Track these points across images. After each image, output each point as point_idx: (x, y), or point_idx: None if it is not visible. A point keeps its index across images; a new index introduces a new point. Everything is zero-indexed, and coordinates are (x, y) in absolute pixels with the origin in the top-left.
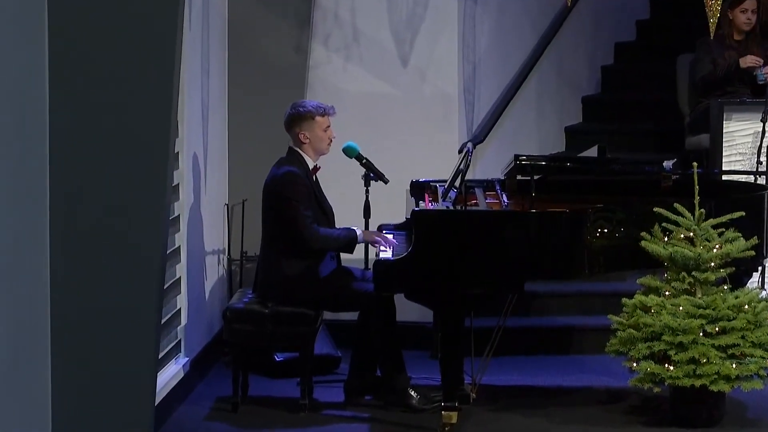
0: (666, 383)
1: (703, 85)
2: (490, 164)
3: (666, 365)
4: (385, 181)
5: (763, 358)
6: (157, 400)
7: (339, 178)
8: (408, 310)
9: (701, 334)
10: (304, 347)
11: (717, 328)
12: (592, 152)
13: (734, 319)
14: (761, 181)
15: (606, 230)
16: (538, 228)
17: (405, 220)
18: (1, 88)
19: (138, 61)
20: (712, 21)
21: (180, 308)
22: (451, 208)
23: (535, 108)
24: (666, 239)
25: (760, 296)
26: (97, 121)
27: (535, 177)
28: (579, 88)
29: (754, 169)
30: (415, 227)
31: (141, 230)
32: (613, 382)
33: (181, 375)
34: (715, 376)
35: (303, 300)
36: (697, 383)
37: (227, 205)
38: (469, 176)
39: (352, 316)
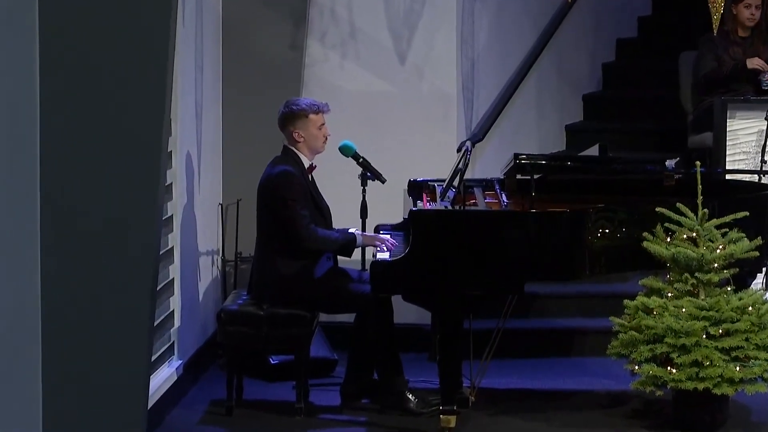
0: (668, 386)
1: (706, 83)
2: (489, 163)
3: (668, 368)
4: (383, 181)
5: None
6: (150, 403)
7: (335, 177)
8: (406, 312)
9: (704, 336)
10: (300, 350)
11: (720, 330)
12: (593, 151)
13: (738, 321)
14: (765, 180)
15: (607, 230)
16: (538, 228)
17: (402, 220)
18: None
19: (130, 58)
20: (716, 17)
21: (173, 310)
22: (450, 208)
23: (535, 106)
24: (668, 240)
25: (764, 298)
26: (89, 119)
27: (535, 176)
28: (580, 85)
29: (758, 168)
30: (412, 227)
31: (133, 230)
32: (615, 385)
33: (175, 378)
34: (719, 379)
35: (299, 300)
36: (700, 386)
37: (221, 204)
38: (467, 175)
39: (348, 317)
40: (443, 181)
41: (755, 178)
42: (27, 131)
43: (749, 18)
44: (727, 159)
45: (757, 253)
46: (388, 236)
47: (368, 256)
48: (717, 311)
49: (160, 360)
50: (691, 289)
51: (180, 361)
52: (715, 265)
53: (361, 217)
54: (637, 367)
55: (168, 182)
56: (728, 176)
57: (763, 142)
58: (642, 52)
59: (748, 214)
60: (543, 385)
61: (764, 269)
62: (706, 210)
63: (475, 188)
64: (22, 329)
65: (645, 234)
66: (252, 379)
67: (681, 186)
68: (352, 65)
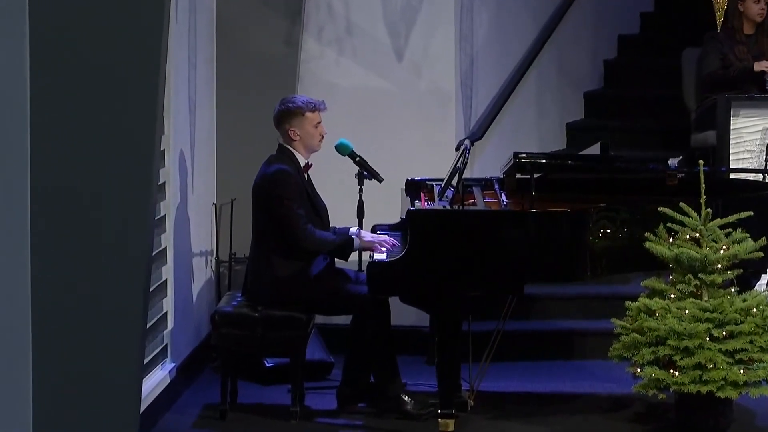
0: (671, 390)
1: (711, 84)
2: (489, 162)
3: (671, 371)
4: (380, 180)
5: None
6: (143, 407)
7: (331, 176)
8: (403, 314)
9: (708, 338)
10: (296, 352)
11: (724, 333)
12: (595, 150)
13: (742, 323)
14: None
15: (609, 231)
16: (539, 228)
17: (400, 220)
18: None
19: (122, 54)
20: (719, 13)
21: (166, 312)
22: (448, 207)
23: (535, 104)
24: (671, 240)
25: None
26: (80, 117)
27: (535, 175)
28: (581, 83)
29: (763, 167)
30: (410, 228)
31: (125, 231)
32: (616, 388)
33: (168, 381)
34: (722, 382)
35: (294, 302)
36: (704, 390)
37: (215, 204)
38: (466, 174)
39: (345, 319)
40: (441, 180)
41: (759, 177)
42: (17, 129)
43: (759, 13)
44: (730, 158)
45: (761, 254)
46: (386, 236)
47: (365, 257)
48: (720, 313)
49: (153, 363)
50: (694, 290)
51: (173, 364)
52: (719, 265)
53: (357, 217)
54: (639, 370)
55: (161, 181)
56: (732, 175)
57: (767, 141)
58: (644, 49)
59: (752, 213)
60: (543, 389)
61: None
62: (709, 210)
63: (474, 187)
64: (12, 331)
65: (647, 234)
66: (246, 382)
67: (684, 185)
68: (349, 62)
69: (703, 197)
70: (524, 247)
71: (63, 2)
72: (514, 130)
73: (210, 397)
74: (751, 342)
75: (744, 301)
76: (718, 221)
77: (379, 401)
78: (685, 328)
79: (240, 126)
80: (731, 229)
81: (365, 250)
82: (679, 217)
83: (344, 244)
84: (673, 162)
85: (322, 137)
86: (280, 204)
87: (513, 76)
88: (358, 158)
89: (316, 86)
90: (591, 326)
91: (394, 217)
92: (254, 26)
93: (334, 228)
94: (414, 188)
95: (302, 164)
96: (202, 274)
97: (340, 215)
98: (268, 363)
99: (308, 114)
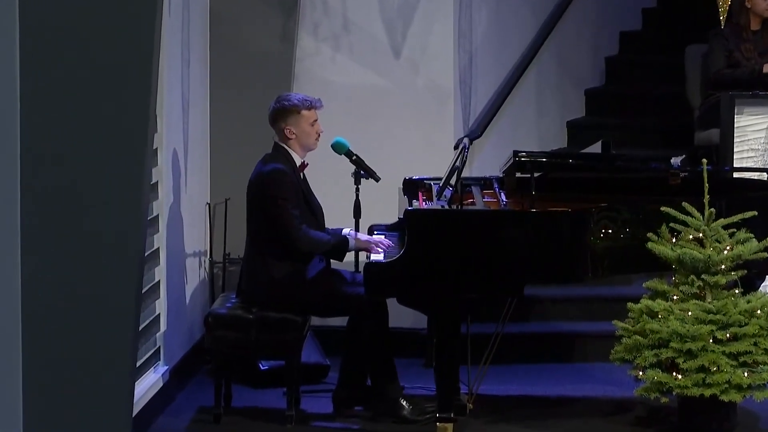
0: (674, 393)
1: (718, 84)
2: (488, 161)
3: (674, 374)
4: (377, 179)
5: None
6: (135, 411)
7: (328, 175)
8: (401, 316)
9: (711, 340)
10: (291, 355)
11: (728, 335)
12: (596, 148)
13: (746, 324)
14: None
15: (610, 231)
16: (539, 229)
17: (397, 220)
18: None
19: (114, 50)
20: (723, 9)
21: (159, 314)
22: (447, 207)
23: (535, 101)
24: (674, 240)
25: None
26: (71, 115)
27: (536, 174)
28: (582, 80)
29: (767, 166)
30: (408, 228)
31: (117, 231)
32: (618, 391)
33: (161, 384)
34: (726, 386)
35: (290, 304)
36: (707, 393)
37: (209, 204)
38: (465, 174)
39: (341, 321)
40: (440, 179)
41: (764, 176)
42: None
43: (767, 8)
44: (734, 156)
45: (765, 254)
46: (383, 237)
47: (362, 257)
48: (724, 315)
49: (146, 366)
50: (698, 291)
51: (166, 367)
52: (723, 266)
53: (354, 217)
54: (641, 373)
55: (153, 181)
56: (736, 174)
57: None
58: (647, 46)
59: (756, 213)
60: (543, 392)
61: None
62: (712, 209)
63: (472, 187)
64: (2, 334)
65: (649, 234)
66: (241, 385)
67: (687, 184)
68: (345, 59)
69: (707, 197)
70: (524, 248)
71: None
72: (513, 128)
73: (204, 400)
74: (755, 344)
75: (748, 302)
76: (722, 221)
77: (376, 405)
78: (688, 330)
79: (234, 124)
80: (735, 230)
81: (360, 250)
82: (681, 217)
83: (339, 244)
84: (675, 161)
85: (319, 136)
86: (274, 204)
87: (513, 74)
88: (354, 157)
89: (312, 84)
90: (592, 328)
91: (392, 217)
92: (249, 22)
93: (327, 229)
94: (411, 188)
95: (298, 163)
96: (195, 275)
97: (337, 215)
98: (263, 366)
99: (304, 112)
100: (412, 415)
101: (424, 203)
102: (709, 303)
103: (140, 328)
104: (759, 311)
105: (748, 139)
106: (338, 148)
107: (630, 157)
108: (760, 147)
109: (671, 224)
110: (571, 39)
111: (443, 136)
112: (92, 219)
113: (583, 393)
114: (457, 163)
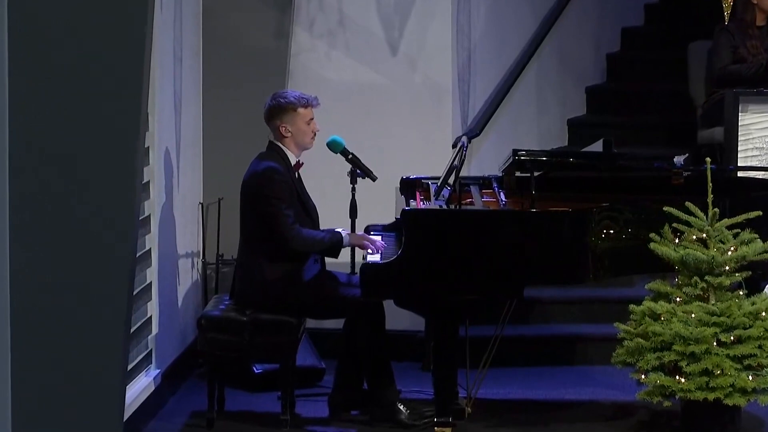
0: (677, 397)
1: (724, 80)
2: (487, 160)
3: (677, 377)
4: (373, 179)
5: None
6: (126, 415)
7: (323, 175)
8: (398, 318)
9: (715, 343)
10: (285, 358)
11: (732, 337)
12: (597, 147)
13: (751, 327)
14: None
15: (612, 231)
16: (539, 229)
17: (395, 220)
18: None
19: (105, 47)
20: (727, 4)
21: (151, 316)
22: (445, 207)
23: (535, 99)
24: (677, 241)
25: None
26: (61, 113)
27: (536, 173)
28: (583, 77)
29: None
30: (405, 228)
31: (108, 232)
32: (620, 395)
33: (152, 388)
34: (730, 389)
35: (284, 306)
36: (711, 397)
37: (202, 204)
38: (463, 173)
39: (337, 324)
40: (438, 178)
41: None
42: None
43: None
44: (738, 155)
45: None
46: (379, 238)
47: (358, 259)
48: (728, 317)
49: (137, 369)
50: (701, 293)
51: (158, 370)
52: (727, 267)
53: (350, 217)
54: (643, 376)
55: (145, 180)
56: (740, 173)
57: None
58: (649, 42)
59: (761, 213)
60: (544, 396)
61: None
62: (716, 209)
63: (471, 186)
64: None
65: (652, 235)
66: (234, 389)
67: (690, 184)
68: (341, 55)
69: (710, 196)
70: (524, 249)
71: None
72: (513, 126)
73: (196, 404)
74: (760, 347)
75: (753, 304)
76: (726, 221)
77: (372, 409)
78: (692, 333)
79: (228, 122)
80: (739, 230)
81: (355, 246)
82: (685, 217)
83: (333, 240)
84: (678, 160)
85: (315, 134)
86: (267, 203)
87: (512, 71)
88: (350, 156)
89: (307, 80)
90: (593, 331)
91: (389, 217)
92: (242, 17)
93: (321, 229)
94: (409, 187)
95: (293, 162)
96: (188, 276)
97: (332, 215)
98: (257, 369)
99: (300, 110)
100: (409, 419)
101: (421, 203)
102: (712, 305)
103: (131, 331)
104: (764, 313)
105: (753, 138)
106: (334, 146)
107: (632, 156)
108: (764, 145)
109: (674, 224)
110: (571, 35)
111: (441, 135)
112: (82, 219)
113: (584, 397)
114: (456, 162)
